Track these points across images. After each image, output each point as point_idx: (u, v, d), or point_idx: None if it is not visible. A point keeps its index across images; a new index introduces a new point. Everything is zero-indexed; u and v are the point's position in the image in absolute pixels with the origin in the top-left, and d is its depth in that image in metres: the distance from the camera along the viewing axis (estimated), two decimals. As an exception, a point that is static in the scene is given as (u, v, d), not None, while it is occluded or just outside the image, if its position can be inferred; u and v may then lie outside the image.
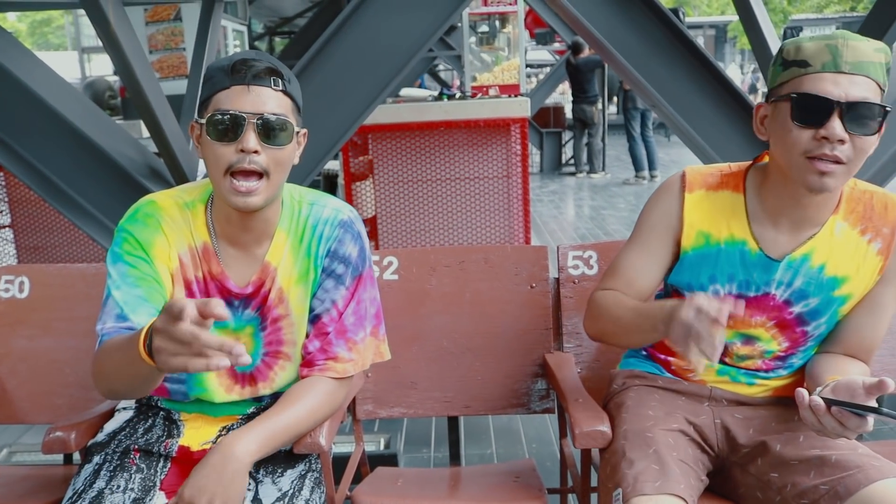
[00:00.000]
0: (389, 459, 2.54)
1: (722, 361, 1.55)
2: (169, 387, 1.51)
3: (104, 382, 1.38)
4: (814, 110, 1.31)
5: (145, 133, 4.73)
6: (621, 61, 2.54)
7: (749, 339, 1.52)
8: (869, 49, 1.31)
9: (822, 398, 1.25)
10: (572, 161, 10.86)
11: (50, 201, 2.49)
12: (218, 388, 1.50)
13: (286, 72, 1.38)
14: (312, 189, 1.56)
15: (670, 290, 1.60)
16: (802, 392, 1.27)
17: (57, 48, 27.69)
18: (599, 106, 9.82)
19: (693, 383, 1.58)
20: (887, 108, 1.30)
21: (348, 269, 1.50)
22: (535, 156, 11.52)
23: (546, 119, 11.30)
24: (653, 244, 1.55)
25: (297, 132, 1.40)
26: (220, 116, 1.30)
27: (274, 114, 1.32)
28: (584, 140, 10.21)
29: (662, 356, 1.62)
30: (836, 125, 1.29)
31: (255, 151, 1.31)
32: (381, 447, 2.69)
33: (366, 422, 2.97)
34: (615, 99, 13.13)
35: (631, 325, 1.48)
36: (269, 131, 1.32)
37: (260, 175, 1.34)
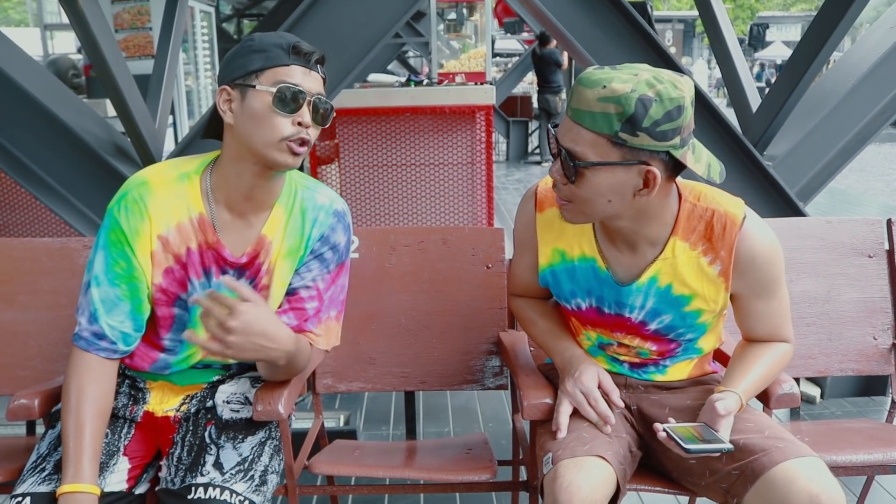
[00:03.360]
0: (349, 435, 2.60)
1: (607, 354, 1.61)
2: (160, 356, 1.56)
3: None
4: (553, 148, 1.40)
5: (111, 112, 4.70)
6: (582, 52, 2.62)
7: (622, 343, 1.58)
8: (592, 97, 1.29)
9: (665, 430, 1.39)
10: (538, 150, 10.96)
11: (15, 177, 2.50)
12: (196, 355, 1.56)
13: None
14: (305, 174, 1.63)
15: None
16: (657, 427, 1.41)
17: (18, 24, 26.98)
18: (563, 96, 9.91)
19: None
20: (575, 163, 1.31)
21: (335, 255, 1.58)
22: (501, 144, 11.60)
23: (513, 108, 11.38)
24: (525, 255, 1.65)
25: None
26: (289, 89, 1.39)
27: (324, 97, 1.45)
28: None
29: None
30: (554, 165, 1.37)
31: (309, 126, 1.42)
32: (341, 423, 2.75)
33: (326, 398, 3.03)
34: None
35: (542, 345, 1.66)
36: (321, 111, 1.44)
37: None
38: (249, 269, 1.53)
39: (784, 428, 1.47)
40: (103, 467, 1.46)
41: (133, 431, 1.55)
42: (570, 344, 1.60)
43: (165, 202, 1.49)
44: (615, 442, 1.45)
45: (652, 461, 1.59)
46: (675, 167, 1.34)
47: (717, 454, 1.37)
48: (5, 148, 2.49)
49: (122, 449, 1.51)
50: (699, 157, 1.35)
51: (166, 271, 1.50)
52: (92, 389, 1.45)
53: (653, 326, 1.52)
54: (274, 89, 1.38)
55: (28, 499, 1.37)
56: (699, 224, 1.44)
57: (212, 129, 1.54)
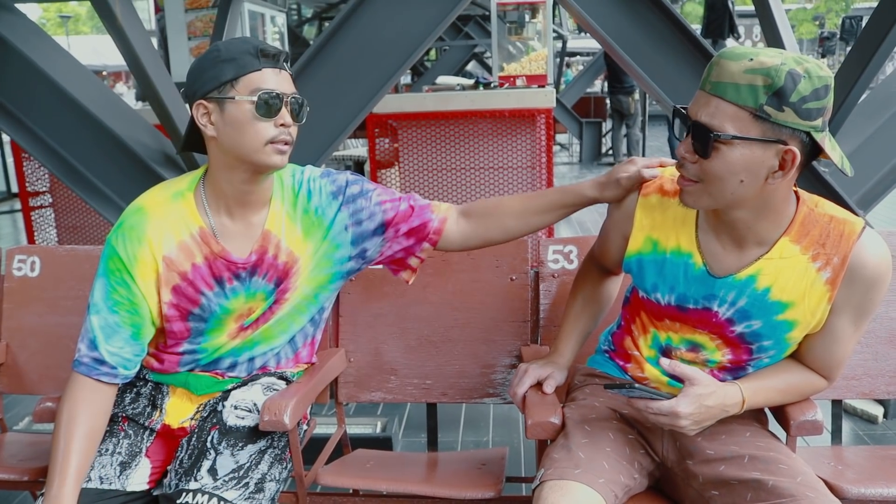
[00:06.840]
0: (383, 442, 2.61)
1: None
2: (182, 358, 1.61)
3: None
4: (678, 127, 1.36)
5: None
6: (623, 56, 2.54)
7: (694, 346, 1.50)
8: (737, 70, 1.24)
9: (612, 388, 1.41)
10: (611, 151, 10.77)
11: (71, 185, 2.61)
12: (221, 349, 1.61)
13: None
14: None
15: (632, 288, 1.62)
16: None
17: (116, 31, 28.22)
18: (636, 96, 9.69)
19: (648, 390, 1.56)
20: (713, 134, 1.25)
21: (355, 183, 1.63)
22: (574, 146, 11.46)
23: (586, 109, 11.22)
24: (612, 233, 1.62)
25: None
26: (269, 96, 1.44)
27: (297, 94, 1.50)
28: (623, 131, 10.11)
29: (621, 362, 1.63)
30: (684, 143, 1.32)
31: (290, 125, 1.48)
32: (378, 430, 2.75)
33: (368, 406, 3.05)
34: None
35: (562, 321, 1.76)
36: (297, 109, 1.49)
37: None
38: (260, 266, 1.56)
39: (825, 450, 1.40)
40: (125, 467, 1.52)
41: (154, 437, 1.60)
42: (569, 345, 1.70)
43: (163, 224, 1.53)
44: (613, 467, 1.40)
45: (668, 489, 1.53)
46: (811, 154, 1.29)
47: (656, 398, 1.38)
48: (62, 156, 2.60)
49: (143, 450, 1.57)
50: (834, 146, 1.31)
51: (174, 288, 1.54)
52: (83, 411, 1.49)
53: (739, 329, 1.44)
54: (254, 98, 1.42)
55: None
56: (813, 229, 1.38)
57: (192, 143, 1.57)
